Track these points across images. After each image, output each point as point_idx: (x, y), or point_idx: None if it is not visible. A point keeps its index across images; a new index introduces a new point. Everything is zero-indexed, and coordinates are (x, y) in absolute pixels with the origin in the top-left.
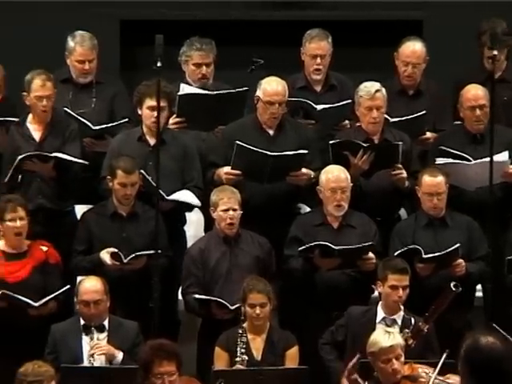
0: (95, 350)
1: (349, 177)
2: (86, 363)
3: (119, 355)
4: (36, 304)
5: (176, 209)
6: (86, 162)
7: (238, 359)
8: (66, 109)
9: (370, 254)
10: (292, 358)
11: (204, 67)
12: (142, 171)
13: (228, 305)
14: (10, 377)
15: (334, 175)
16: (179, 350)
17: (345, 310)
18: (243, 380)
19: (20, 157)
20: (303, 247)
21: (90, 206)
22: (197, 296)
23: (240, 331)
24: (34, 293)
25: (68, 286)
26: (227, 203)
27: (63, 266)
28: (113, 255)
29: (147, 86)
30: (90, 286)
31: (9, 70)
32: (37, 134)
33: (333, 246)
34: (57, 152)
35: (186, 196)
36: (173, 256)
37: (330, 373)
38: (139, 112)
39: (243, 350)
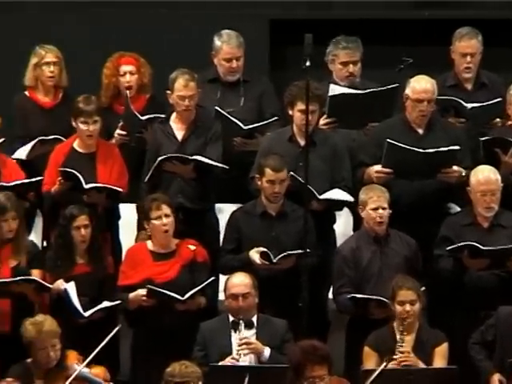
0: (243, 346)
1: (499, 178)
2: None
3: (266, 351)
4: (183, 298)
5: (327, 208)
6: (226, 167)
7: (395, 356)
8: (217, 108)
9: None
10: (441, 354)
11: (351, 65)
12: (291, 173)
13: (390, 303)
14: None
15: (485, 177)
16: (330, 352)
17: (493, 310)
18: (393, 379)
19: (160, 158)
20: (451, 247)
21: (232, 205)
22: (357, 295)
23: (393, 330)
24: (182, 292)
25: (213, 278)
26: (376, 202)
27: None
28: (262, 255)
29: (298, 87)
30: (239, 280)
31: (157, 69)
32: (179, 133)
33: (481, 247)
34: (198, 152)
35: (338, 194)
36: (322, 255)
37: (479, 372)
38: (290, 113)
39: (402, 349)
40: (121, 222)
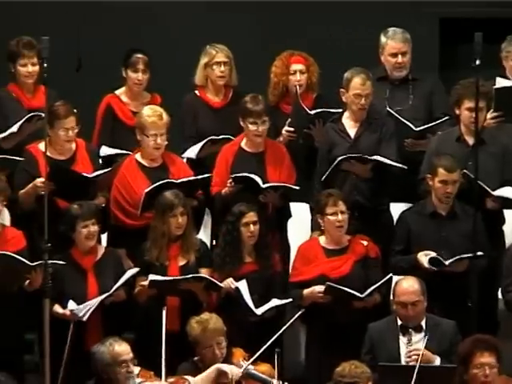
0: (413, 358)
1: None
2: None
3: (436, 361)
4: (362, 295)
5: (497, 208)
6: (405, 167)
7: None
8: (388, 109)
9: None
10: None
11: None
12: (465, 171)
13: None
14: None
15: None
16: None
17: None
18: None
19: (339, 158)
20: None
21: (404, 205)
22: None
23: None
24: (356, 287)
25: (390, 275)
26: None
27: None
28: (431, 260)
29: (465, 86)
30: (408, 287)
31: (324, 68)
32: (352, 131)
33: None
34: (372, 150)
35: (510, 192)
36: (493, 256)
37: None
38: (457, 112)
39: None
40: (290, 221)
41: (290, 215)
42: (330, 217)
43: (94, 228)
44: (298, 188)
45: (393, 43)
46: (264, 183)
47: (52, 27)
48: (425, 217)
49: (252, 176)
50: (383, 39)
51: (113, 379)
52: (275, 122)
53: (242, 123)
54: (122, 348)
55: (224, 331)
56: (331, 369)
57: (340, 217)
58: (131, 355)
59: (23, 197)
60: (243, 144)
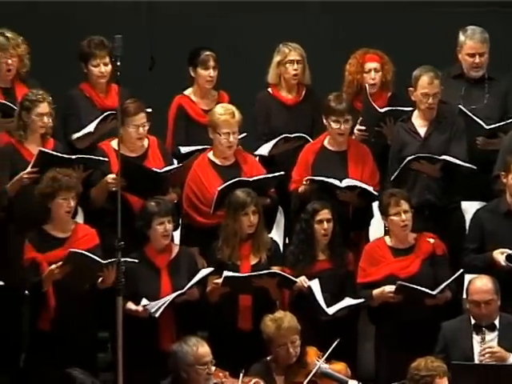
0: (486, 355)
1: None
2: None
3: (510, 358)
4: (434, 292)
5: None
6: (474, 167)
7: None
8: (460, 106)
9: None
10: None
11: None
12: None
13: None
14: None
15: None
16: None
17: None
18: None
19: (408, 158)
20: None
21: (477, 203)
22: None
23: None
24: (425, 286)
25: (461, 271)
26: None
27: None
28: (508, 257)
29: None
30: (481, 285)
31: (398, 66)
32: (422, 130)
33: None
34: (442, 149)
35: None
36: None
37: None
38: None
39: None
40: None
41: (372, 215)
42: (393, 217)
43: (170, 226)
44: (372, 191)
45: (471, 43)
46: (342, 181)
47: (123, 26)
48: (499, 215)
49: (327, 180)
50: (462, 38)
51: (192, 379)
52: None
53: (324, 121)
54: (204, 349)
55: (298, 330)
56: (402, 368)
57: (403, 216)
58: (211, 357)
59: (95, 194)
60: (326, 142)
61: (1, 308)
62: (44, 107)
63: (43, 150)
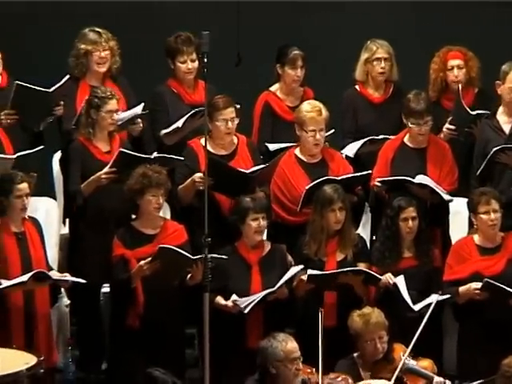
0: None
1: None
2: None
3: None
4: None
5: None
6: None
7: None
8: None
9: None
10: None
11: None
12: None
13: None
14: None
15: None
16: None
17: None
18: None
19: (495, 149)
20: None
21: None
22: None
23: None
24: (510, 285)
25: None
26: None
27: None
28: None
29: None
30: None
31: (485, 63)
32: (507, 127)
33: None
34: None
35: None
36: None
37: None
38: None
39: None
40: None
41: (448, 212)
42: (482, 215)
43: (264, 222)
44: (443, 192)
45: None
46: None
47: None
48: None
49: (398, 178)
50: None
51: (281, 375)
52: (436, 117)
53: (404, 121)
54: (293, 345)
55: (386, 325)
56: (484, 366)
57: (493, 215)
58: (299, 353)
59: (182, 191)
60: (406, 139)
61: (81, 307)
62: (113, 104)
63: (123, 150)
